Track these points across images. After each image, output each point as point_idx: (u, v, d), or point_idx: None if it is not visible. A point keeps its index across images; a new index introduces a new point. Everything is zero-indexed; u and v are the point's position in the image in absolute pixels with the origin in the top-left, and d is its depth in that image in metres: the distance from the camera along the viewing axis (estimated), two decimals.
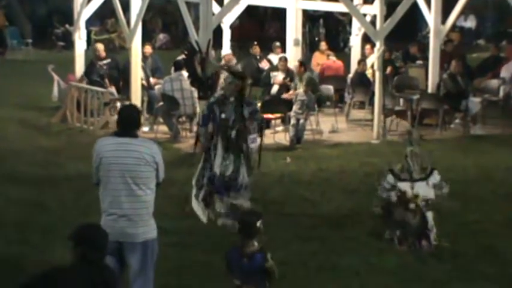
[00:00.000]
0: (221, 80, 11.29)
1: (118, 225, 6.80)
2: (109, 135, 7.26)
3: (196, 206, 10.39)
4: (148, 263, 6.95)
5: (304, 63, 16.73)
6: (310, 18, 26.49)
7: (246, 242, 6.60)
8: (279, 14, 22.75)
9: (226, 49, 18.89)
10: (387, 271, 8.90)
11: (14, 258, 8.87)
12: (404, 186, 9.70)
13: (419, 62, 19.79)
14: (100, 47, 18.47)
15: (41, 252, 9.04)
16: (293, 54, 18.03)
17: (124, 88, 17.18)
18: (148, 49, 18.08)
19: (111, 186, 6.88)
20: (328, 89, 17.91)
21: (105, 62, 17.90)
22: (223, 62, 17.12)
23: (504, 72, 18.57)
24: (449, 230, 10.07)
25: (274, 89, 17.01)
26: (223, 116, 10.25)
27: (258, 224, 6.66)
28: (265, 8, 30.27)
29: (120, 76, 17.72)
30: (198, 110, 14.93)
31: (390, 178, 9.80)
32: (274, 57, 19.12)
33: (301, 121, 15.20)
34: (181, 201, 10.73)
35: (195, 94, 14.53)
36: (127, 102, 14.59)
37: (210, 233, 9.89)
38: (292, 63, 17.29)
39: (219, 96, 10.57)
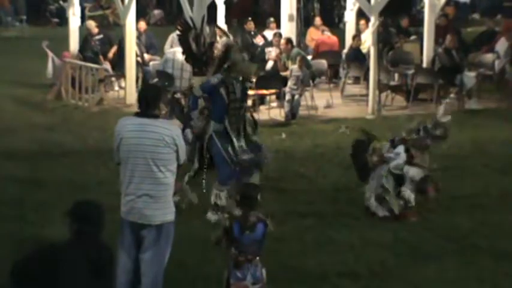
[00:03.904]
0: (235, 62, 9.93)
1: (136, 206, 6.77)
2: (131, 115, 7.12)
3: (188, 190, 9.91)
4: (162, 245, 6.89)
5: (291, 41, 16.68)
6: None
7: (246, 214, 6.74)
8: None
9: (220, 25, 18.83)
10: (382, 245, 8.95)
11: (11, 235, 8.88)
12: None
13: (413, 37, 19.76)
14: (91, 23, 18.46)
15: (37, 229, 9.07)
16: (287, 30, 17.97)
17: (119, 64, 17.17)
18: (142, 25, 18.05)
19: (131, 167, 6.80)
20: (322, 63, 17.89)
21: (97, 37, 17.89)
22: (217, 37, 17.07)
23: (499, 46, 18.56)
24: (443, 203, 10.12)
25: (269, 65, 16.98)
26: (232, 96, 9.69)
27: (259, 196, 6.81)
28: None
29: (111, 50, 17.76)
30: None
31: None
32: (268, 33, 19.08)
33: (296, 97, 15.21)
34: (179, 177, 10.70)
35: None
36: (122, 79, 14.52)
37: (208, 208, 9.89)
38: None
39: (225, 76, 9.76)
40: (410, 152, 9.87)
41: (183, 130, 9.85)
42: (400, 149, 9.89)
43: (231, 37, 10.53)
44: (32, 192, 10.64)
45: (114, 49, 17.73)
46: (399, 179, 9.82)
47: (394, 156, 9.85)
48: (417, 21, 21.32)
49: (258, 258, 6.84)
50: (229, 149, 9.70)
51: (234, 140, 9.75)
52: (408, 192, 9.75)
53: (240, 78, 9.91)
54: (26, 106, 16.33)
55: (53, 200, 10.06)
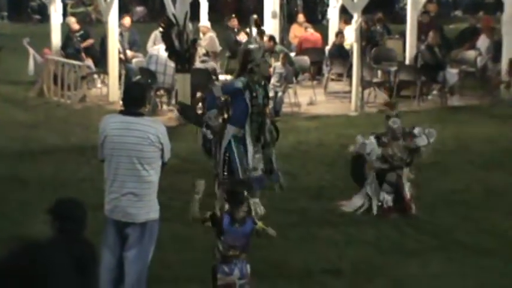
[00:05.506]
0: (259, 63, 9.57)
1: (120, 204, 6.75)
2: (114, 112, 7.10)
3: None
4: (145, 243, 6.86)
5: (274, 38, 16.68)
6: None
7: (235, 210, 6.79)
8: None
9: (203, 21, 18.81)
10: (366, 242, 8.96)
11: None
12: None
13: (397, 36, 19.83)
14: (71, 19, 18.44)
15: (19, 227, 9.01)
16: (271, 27, 17.97)
17: (101, 61, 17.12)
18: (127, 21, 17.98)
19: (115, 165, 6.77)
20: (305, 60, 17.89)
21: (78, 34, 17.85)
22: (201, 34, 17.07)
23: (480, 43, 18.63)
24: (427, 200, 10.14)
25: None
26: (255, 101, 9.40)
27: (246, 192, 6.95)
28: None
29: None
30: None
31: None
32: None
33: (279, 94, 15.20)
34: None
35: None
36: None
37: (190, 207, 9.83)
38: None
39: (249, 79, 9.40)
40: (380, 139, 9.93)
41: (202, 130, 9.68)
42: (371, 138, 9.99)
43: (255, 39, 10.16)
44: (14, 189, 10.59)
45: (89, 42, 17.73)
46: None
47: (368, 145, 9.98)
48: (390, 14, 21.31)
49: (244, 254, 6.86)
50: (244, 159, 9.48)
51: (250, 148, 9.50)
52: (385, 196, 9.84)
53: (262, 83, 9.68)
54: (8, 103, 16.25)
55: (35, 197, 10.01)
